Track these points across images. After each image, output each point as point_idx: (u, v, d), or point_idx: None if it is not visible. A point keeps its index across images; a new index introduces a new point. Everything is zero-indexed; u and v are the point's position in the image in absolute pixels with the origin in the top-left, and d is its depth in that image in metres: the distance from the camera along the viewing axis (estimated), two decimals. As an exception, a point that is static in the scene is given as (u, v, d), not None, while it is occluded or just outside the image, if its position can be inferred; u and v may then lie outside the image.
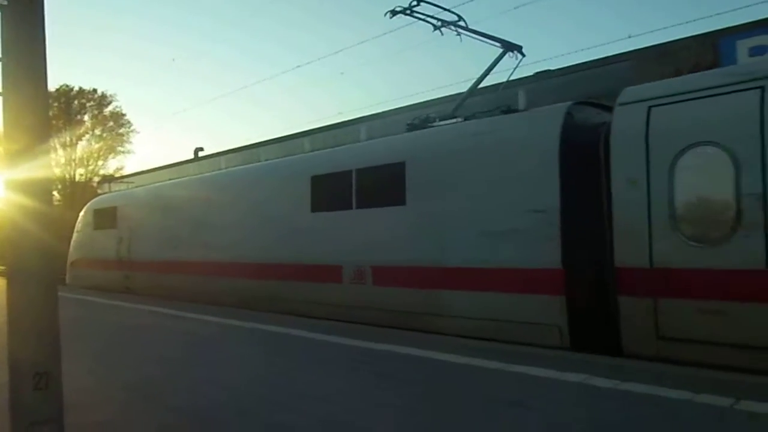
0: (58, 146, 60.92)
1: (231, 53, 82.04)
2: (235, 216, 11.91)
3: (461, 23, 9.50)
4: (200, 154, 41.47)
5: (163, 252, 14.22)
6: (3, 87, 2.73)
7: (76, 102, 64.41)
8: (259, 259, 11.05)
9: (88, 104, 64.90)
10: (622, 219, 6.54)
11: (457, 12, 9.51)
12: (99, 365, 5.43)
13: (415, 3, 9.15)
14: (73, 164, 63.61)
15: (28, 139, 2.71)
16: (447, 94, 17.40)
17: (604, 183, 6.73)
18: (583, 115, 7.51)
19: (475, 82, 9.72)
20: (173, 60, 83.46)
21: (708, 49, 14.04)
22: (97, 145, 64.59)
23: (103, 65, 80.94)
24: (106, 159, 65.00)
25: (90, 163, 65.13)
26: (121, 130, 64.65)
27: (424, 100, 18.78)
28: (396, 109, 19.26)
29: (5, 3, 2.69)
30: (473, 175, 8.05)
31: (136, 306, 11.02)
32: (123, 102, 78.39)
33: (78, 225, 18.95)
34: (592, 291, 6.84)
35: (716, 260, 5.84)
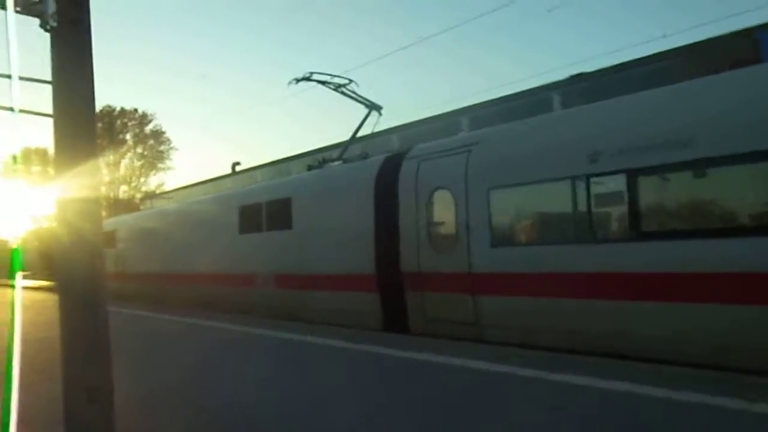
0: (102, 165, 64.00)
1: (263, 65, 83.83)
2: (191, 238, 15.30)
3: (351, 85, 12.30)
4: (237, 168, 42.71)
5: (142, 266, 17.89)
6: (53, 109, 2.74)
7: (118, 122, 66.79)
8: (205, 271, 14.34)
9: (129, 123, 67.45)
10: (403, 238, 9.09)
11: (347, 77, 12.35)
12: (147, 370, 5.76)
13: (308, 74, 12.22)
14: (117, 182, 66.33)
15: (77, 160, 2.75)
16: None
17: (396, 213, 9.24)
18: (392, 164, 9.74)
19: (353, 133, 12.82)
20: (204, 76, 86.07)
21: (748, 45, 13.81)
22: (138, 163, 67.31)
23: (135, 78, 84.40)
24: (147, 176, 67.69)
25: (132, 180, 67.90)
26: (162, 148, 67.24)
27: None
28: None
29: (54, 24, 2.68)
30: (330, 206, 10.75)
31: (160, 316, 11.91)
32: (161, 119, 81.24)
33: None
34: (392, 289, 9.28)
35: (448, 266, 8.32)
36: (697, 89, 6.66)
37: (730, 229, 5.81)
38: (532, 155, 7.63)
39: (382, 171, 9.81)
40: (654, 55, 16.39)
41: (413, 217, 8.97)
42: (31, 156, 55.80)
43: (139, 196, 65.09)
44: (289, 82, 12.16)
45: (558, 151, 7.29)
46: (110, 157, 66.85)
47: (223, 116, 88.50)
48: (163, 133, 70.26)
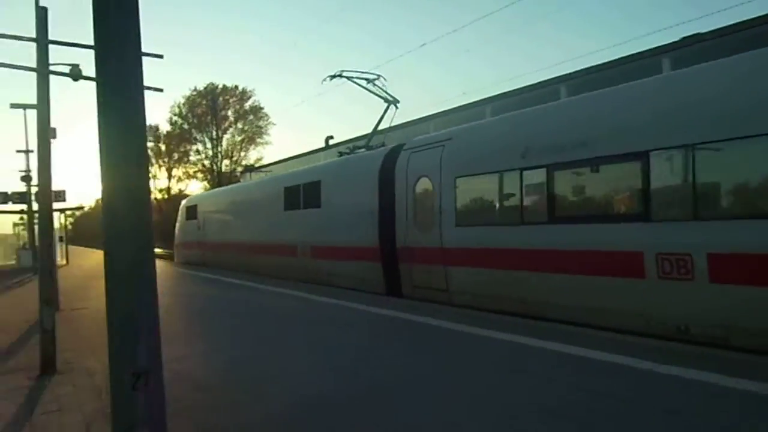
0: (206, 140, 70.43)
1: (349, 36, 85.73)
2: (252, 213, 18.29)
3: (379, 81, 14.46)
4: (330, 142, 45.85)
5: (218, 235, 21.24)
6: (100, 123, 2.50)
7: (220, 99, 71.98)
8: (260, 241, 17.32)
9: (231, 100, 72.80)
10: (398, 217, 11.13)
11: (376, 72, 14.84)
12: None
13: (337, 73, 14.47)
14: (220, 156, 72.27)
15: (126, 171, 2.48)
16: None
17: (393, 196, 11.30)
18: (392, 155, 11.77)
19: (375, 125, 14.92)
20: (295, 44, 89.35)
21: None
22: (239, 138, 73.00)
23: (235, 54, 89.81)
24: (247, 150, 73.16)
25: (234, 154, 73.81)
26: (260, 123, 72.34)
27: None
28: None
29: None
30: (347, 189, 13.00)
31: (261, 287, 14.43)
32: (260, 95, 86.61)
33: (179, 217, 26.67)
34: (391, 260, 11.36)
35: (427, 242, 10.26)
36: (595, 99, 8.09)
37: (607, 216, 7.32)
38: (485, 150, 9.35)
39: (385, 160, 11.86)
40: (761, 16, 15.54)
41: (404, 200, 11.01)
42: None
43: (239, 169, 70.02)
44: (324, 80, 14.35)
45: (501, 148, 8.96)
46: (213, 132, 72.21)
47: (317, 89, 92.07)
48: (262, 108, 74.10)
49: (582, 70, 20.63)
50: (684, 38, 17.71)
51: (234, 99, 73.14)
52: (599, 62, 20.14)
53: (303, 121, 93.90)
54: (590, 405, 4.21)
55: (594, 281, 7.37)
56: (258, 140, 73.00)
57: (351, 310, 9.30)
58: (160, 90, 7.24)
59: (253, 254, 17.72)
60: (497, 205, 9.10)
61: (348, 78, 14.24)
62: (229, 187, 26.90)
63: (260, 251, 17.25)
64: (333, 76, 14.33)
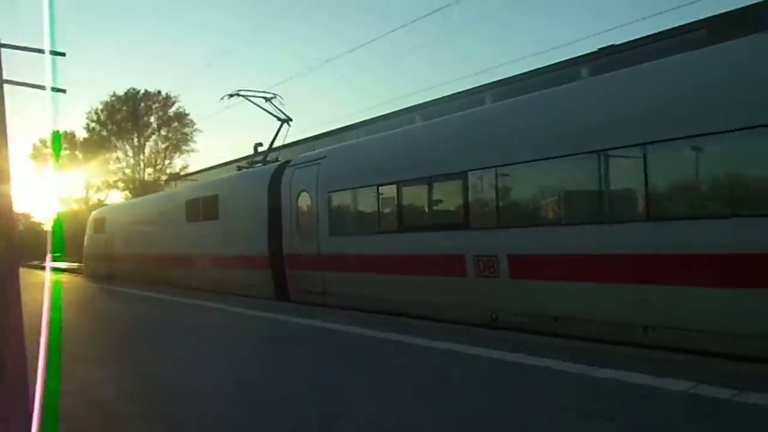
0: (127, 147, 68.52)
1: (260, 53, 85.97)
2: (155, 225, 19.12)
3: (276, 99, 15.67)
4: (259, 149, 46.08)
5: (126, 248, 21.86)
6: None
7: (142, 104, 69.95)
8: (165, 253, 18.12)
9: (153, 106, 70.95)
10: (284, 228, 12.39)
11: (273, 91, 15.75)
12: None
13: (234, 92, 15.81)
14: (143, 164, 70.34)
15: None
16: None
17: (279, 208, 12.54)
18: (280, 170, 13.02)
19: (270, 142, 16.23)
20: (227, 52, 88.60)
21: None
22: (163, 145, 71.34)
23: (159, 61, 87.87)
24: (172, 158, 71.59)
25: (158, 162, 72.04)
26: (185, 130, 70.93)
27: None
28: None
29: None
30: (242, 202, 14.10)
31: (180, 300, 15.10)
32: (185, 101, 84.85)
33: (87, 229, 26.80)
34: (279, 267, 12.55)
35: (308, 249, 11.53)
36: (433, 125, 9.67)
37: (439, 225, 8.81)
38: (351, 168, 10.71)
39: (273, 176, 13.02)
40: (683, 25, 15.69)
41: (289, 212, 12.22)
42: (58, 139, 60.00)
43: (164, 178, 68.33)
44: (222, 98, 15.30)
45: (363, 167, 10.33)
46: (135, 140, 70.15)
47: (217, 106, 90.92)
48: (187, 114, 72.26)
49: (484, 86, 21.46)
50: (600, 49, 18.25)
51: (157, 105, 71.27)
52: (520, 71, 20.08)
53: (232, 127, 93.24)
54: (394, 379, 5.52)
55: (432, 280, 8.80)
56: (183, 148, 71.53)
57: (239, 315, 10.34)
58: (62, 91, 7.54)
59: (159, 266, 18.44)
60: (361, 216, 10.44)
61: (245, 97, 15.24)
62: (137, 199, 27.51)
63: (165, 263, 17.99)
64: (231, 95, 15.29)
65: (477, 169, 8.22)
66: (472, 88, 20.27)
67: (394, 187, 9.53)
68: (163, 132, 70.10)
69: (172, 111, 70.07)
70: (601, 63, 16.94)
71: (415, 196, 9.35)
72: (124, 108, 67.85)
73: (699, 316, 5.85)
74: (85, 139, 69.89)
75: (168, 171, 69.39)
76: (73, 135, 68.24)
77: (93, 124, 68.80)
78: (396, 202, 9.50)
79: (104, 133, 69.39)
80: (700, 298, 5.82)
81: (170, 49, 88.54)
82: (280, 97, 15.37)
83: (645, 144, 6.32)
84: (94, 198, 68.84)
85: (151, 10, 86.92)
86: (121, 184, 68.58)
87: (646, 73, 6.95)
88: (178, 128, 70.43)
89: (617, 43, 17.79)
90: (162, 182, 64.75)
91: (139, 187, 65.25)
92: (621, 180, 6.70)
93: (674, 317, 6.05)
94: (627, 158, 6.50)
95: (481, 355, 6.02)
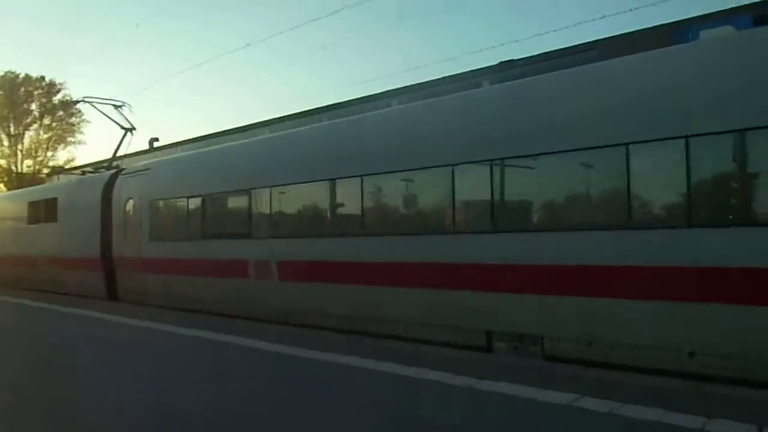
0: (3, 136, 64.17)
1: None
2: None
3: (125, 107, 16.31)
4: (155, 144, 45.06)
5: None
6: None
7: (22, 89, 65.68)
8: (5, 253, 18.54)
9: (35, 92, 66.80)
10: (114, 232, 13.54)
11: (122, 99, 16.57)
12: None
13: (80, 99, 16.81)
14: (20, 155, 66.04)
15: None
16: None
17: (110, 214, 13.68)
18: (113, 178, 14.08)
19: (114, 152, 16.77)
20: (136, 26, 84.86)
21: (667, 40, 14.57)
22: (45, 136, 67.35)
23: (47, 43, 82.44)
24: (55, 150, 67.78)
25: (38, 154, 67.94)
26: (72, 120, 67.45)
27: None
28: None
29: None
30: (80, 206, 14.84)
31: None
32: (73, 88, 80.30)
33: None
34: (110, 268, 13.72)
35: (132, 252, 12.68)
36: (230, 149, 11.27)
37: (231, 234, 10.32)
38: (168, 180, 11.99)
39: (107, 182, 14.04)
40: (585, 44, 16.85)
41: (118, 217, 13.27)
42: None
43: (45, 171, 64.57)
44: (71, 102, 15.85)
45: (177, 179, 11.64)
46: (11, 128, 65.74)
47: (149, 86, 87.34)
48: (75, 103, 68.75)
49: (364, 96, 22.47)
50: (500, 63, 18.80)
51: (40, 91, 67.18)
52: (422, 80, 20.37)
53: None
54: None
55: (227, 281, 10.28)
56: (69, 139, 67.96)
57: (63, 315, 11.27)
58: None
59: (2, 267, 18.57)
60: (174, 224, 11.77)
61: (90, 103, 15.95)
62: None
63: (7, 263, 18.20)
64: (75, 102, 15.97)
65: (259, 188, 9.84)
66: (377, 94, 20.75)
67: (199, 199, 10.94)
68: (46, 121, 66.51)
69: (57, 99, 66.57)
70: (503, 76, 16.52)
71: (216, 208, 10.83)
72: (0, 92, 63.65)
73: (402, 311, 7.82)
74: (-48, 125, 64.53)
75: (51, 163, 66.03)
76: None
77: (-39, 110, 63.71)
78: (201, 213, 10.91)
79: (-26, 119, 64.41)
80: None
81: (61, 33, 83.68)
82: (129, 106, 16.17)
83: (362, 176, 8.20)
84: (-40, 190, 63.99)
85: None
86: (-6, 176, 64.15)
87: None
88: (63, 117, 67.01)
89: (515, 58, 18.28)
90: (43, 175, 61.43)
91: (15, 180, 61.59)
92: (345, 203, 8.61)
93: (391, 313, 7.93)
94: (349, 185, 8.36)
95: (232, 342, 7.57)
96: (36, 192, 17.45)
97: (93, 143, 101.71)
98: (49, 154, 67.22)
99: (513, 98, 7.35)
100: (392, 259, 7.72)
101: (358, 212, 8.36)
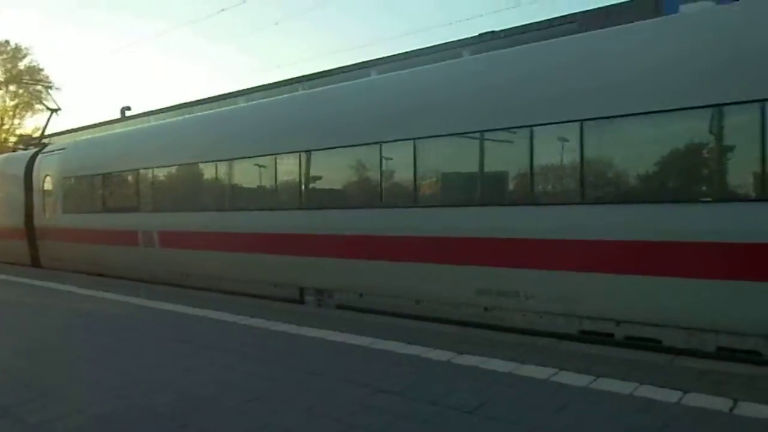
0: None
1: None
2: None
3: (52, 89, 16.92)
4: (127, 113, 45.56)
5: None
6: None
7: None
8: None
9: (0, 57, 66.40)
10: (35, 205, 15.12)
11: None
12: None
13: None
14: (-15, 123, 65.83)
15: None
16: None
17: (32, 188, 15.25)
18: (35, 155, 15.52)
19: (42, 131, 18.71)
20: None
21: (650, 8, 13.75)
22: (12, 103, 67.19)
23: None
24: (22, 118, 67.73)
25: (4, 122, 67.95)
26: (39, 87, 67.21)
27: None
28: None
29: None
30: (8, 180, 16.37)
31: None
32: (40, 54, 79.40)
33: None
34: (32, 239, 15.26)
35: (51, 223, 14.28)
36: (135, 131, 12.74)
37: (127, 207, 11.95)
38: (79, 159, 13.53)
39: (30, 159, 15.47)
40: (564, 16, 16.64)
41: (38, 192, 14.83)
42: None
43: (12, 139, 64.50)
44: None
45: (86, 158, 13.24)
46: None
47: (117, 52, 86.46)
48: (41, 70, 67.86)
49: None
50: (480, 34, 18.51)
51: (5, 56, 66.50)
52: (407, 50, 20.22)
53: (101, 86, 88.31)
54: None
55: (123, 249, 11.96)
56: (37, 107, 67.68)
57: None
58: None
59: None
60: (82, 198, 13.39)
61: (25, 84, 17.19)
62: None
63: None
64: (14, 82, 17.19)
65: (143, 168, 11.46)
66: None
67: (101, 177, 12.54)
68: (12, 88, 66.07)
69: (22, 65, 65.99)
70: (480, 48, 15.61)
71: (113, 185, 12.46)
72: (-37, 58, 63.20)
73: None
74: None
75: (18, 132, 65.94)
76: None
77: None
78: (102, 189, 12.53)
79: (-65, 86, 64.09)
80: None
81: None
82: (57, 88, 17.46)
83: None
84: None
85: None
86: (-43, 145, 64.39)
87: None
88: (29, 84, 66.66)
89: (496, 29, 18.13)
90: (10, 144, 61.57)
91: (-20, 149, 61.54)
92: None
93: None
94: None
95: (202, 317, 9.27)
96: None
97: (69, 109, 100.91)
98: (16, 122, 67.34)
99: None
100: (229, 230, 9.60)
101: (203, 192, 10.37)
